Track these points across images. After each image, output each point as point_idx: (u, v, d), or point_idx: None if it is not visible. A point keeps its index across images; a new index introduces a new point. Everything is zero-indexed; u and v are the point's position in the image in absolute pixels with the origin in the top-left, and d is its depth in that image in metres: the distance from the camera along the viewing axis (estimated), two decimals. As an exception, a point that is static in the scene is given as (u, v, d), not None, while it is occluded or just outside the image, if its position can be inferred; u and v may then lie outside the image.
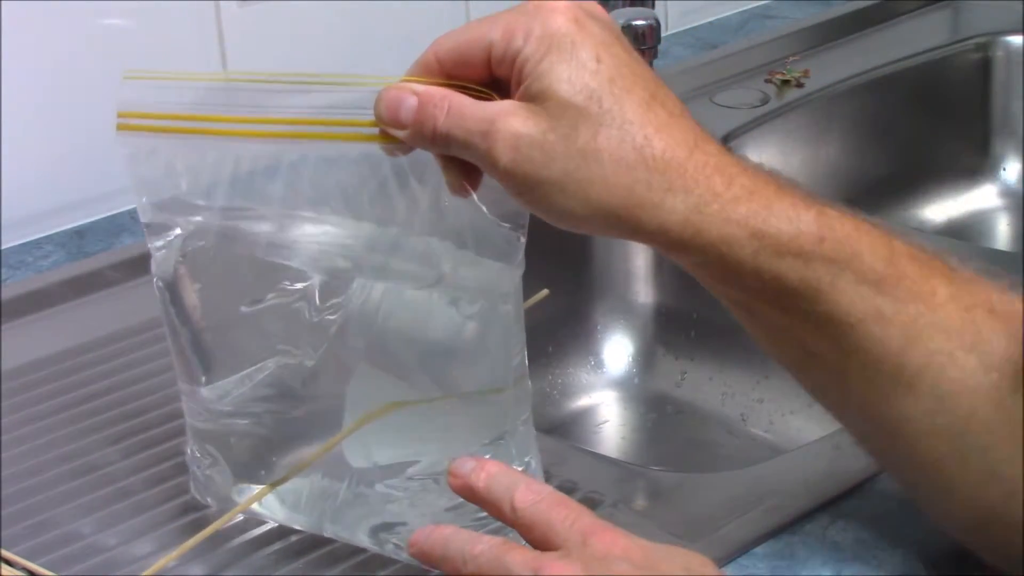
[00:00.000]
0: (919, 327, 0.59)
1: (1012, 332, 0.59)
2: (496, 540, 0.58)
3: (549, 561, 0.56)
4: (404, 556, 0.74)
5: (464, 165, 0.63)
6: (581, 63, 0.59)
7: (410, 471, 0.72)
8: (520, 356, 0.69)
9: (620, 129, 0.59)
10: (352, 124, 0.64)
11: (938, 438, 0.60)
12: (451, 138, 0.60)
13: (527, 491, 0.59)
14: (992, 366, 0.59)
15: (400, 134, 0.62)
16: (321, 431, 0.73)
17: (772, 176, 0.62)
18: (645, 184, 0.59)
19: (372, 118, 0.63)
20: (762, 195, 0.60)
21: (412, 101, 0.61)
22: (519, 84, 0.60)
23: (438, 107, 0.61)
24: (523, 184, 0.60)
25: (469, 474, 0.61)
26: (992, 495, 0.60)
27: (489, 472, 0.61)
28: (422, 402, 0.69)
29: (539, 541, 0.58)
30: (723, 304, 0.64)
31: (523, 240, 0.65)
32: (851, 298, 0.60)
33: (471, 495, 0.61)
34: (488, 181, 0.64)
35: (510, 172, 0.59)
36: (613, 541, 0.57)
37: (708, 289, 0.64)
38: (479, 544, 0.58)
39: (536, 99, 0.59)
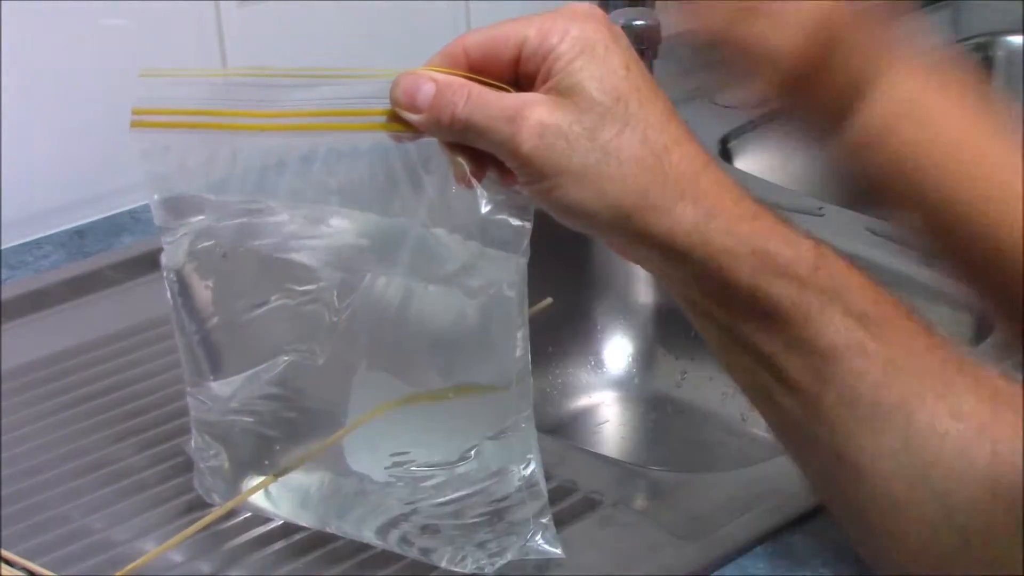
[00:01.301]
0: (897, 367, 0.61)
1: (979, 392, 0.61)
2: None
3: None
4: (411, 552, 0.74)
5: (471, 155, 0.63)
6: (612, 68, 0.62)
7: (413, 463, 0.72)
8: (524, 344, 0.69)
9: (643, 133, 0.61)
10: (362, 113, 0.65)
11: (899, 481, 0.61)
12: (470, 124, 0.62)
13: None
14: (960, 416, 0.60)
15: (414, 118, 0.63)
16: (325, 430, 0.73)
17: (773, 209, 0.63)
18: (660, 188, 0.61)
19: (383, 107, 0.64)
20: (765, 219, 0.62)
21: (430, 87, 0.63)
22: (546, 80, 0.62)
23: (458, 94, 0.62)
24: (541, 172, 0.61)
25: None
26: (943, 545, 0.60)
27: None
28: (433, 396, 0.69)
29: None
30: (700, 328, 0.64)
31: (529, 227, 0.66)
32: (837, 328, 0.61)
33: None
34: (492, 175, 0.65)
35: (531, 158, 0.61)
36: None
37: (691, 309, 0.64)
38: None
39: (564, 94, 0.61)
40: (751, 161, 1.30)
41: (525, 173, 0.62)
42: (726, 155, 1.28)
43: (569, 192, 0.61)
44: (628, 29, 1.11)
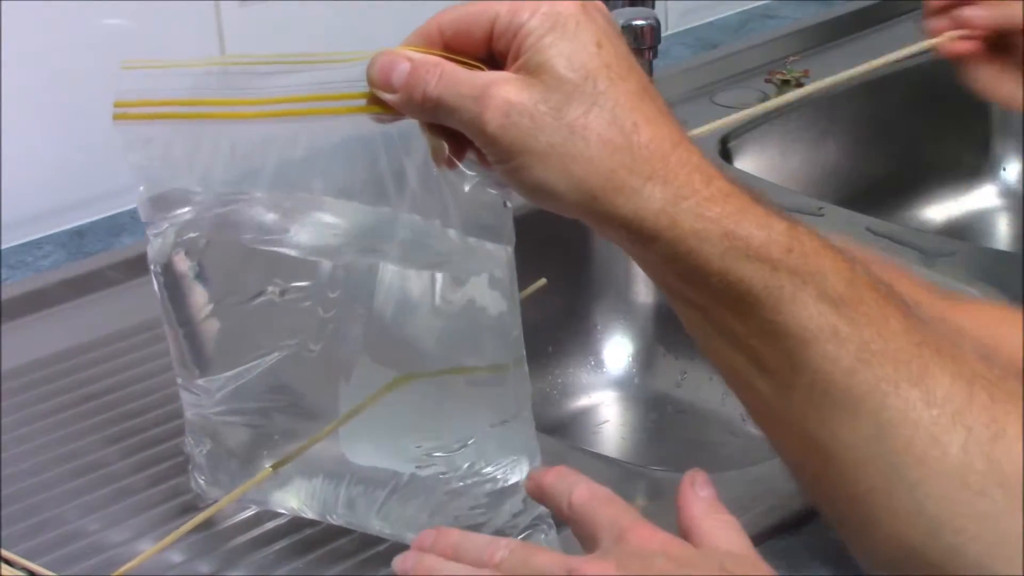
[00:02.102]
0: (871, 352, 0.60)
1: (956, 372, 0.60)
2: (516, 543, 0.60)
3: (581, 561, 0.57)
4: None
5: (450, 136, 0.63)
6: (582, 45, 0.61)
7: (415, 448, 0.72)
8: (517, 332, 0.69)
9: (611, 112, 0.60)
10: (343, 97, 0.65)
11: (871, 468, 0.61)
12: (441, 102, 0.61)
13: (585, 489, 0.62)
14: (934, 402, 0.60)
15: (390, 98, 0.63)
16: (321, 420, 0.73)
17: (748, 187, 0.63)
18: (627, 169, 0.60)
19: (362, 90, 0.64)
20: (738, 200, 0.61)
21: (405, 65, 0.62)
22: (516, 57, 0.61)
23: (430, 72, 0.62)
24: (507, 151, 0.60)
25: (541, 474, 0.64)
26: (915, 533, 0.60)
27: (558, 471, 0.64)
28: (430, 375, 0.70)
29: (585, 536, 0.61)
30: (677, 310, 0.64)
31: (510, 206, 0.66)
32: (810, 312, 0.60)
33: (539, 492, 0.64)
34: (471, 156, 0.64)
35: (496, 137, 0.60)
36: (651, 536, 0.58)
37: (665, 290, 0.64)
38: (499, 549, 0.59)
39: (533, 72, 0.60)
40: (751, 161, 1.30)
41: (492, 152, 0.61)
42: (726, 155, 1.28)
43: (534, 172, 0.60)
44: (628, 29, 1.11)
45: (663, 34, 1.14)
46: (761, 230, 0.60)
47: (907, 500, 0.60)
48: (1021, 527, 0.59)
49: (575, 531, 0.61)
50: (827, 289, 0.60)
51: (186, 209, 0.72)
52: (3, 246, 1.12)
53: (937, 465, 0.59)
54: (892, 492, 0.60)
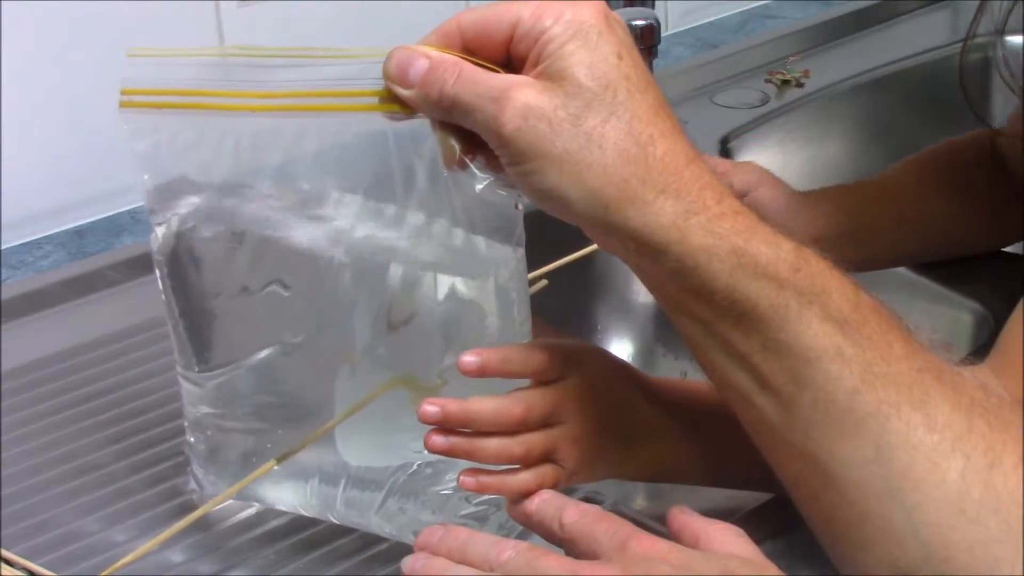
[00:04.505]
0: (873, 374, 0.60)
1: (956, 400, 0.60)
2: (524, 545, 0.60)
3: (586, 565, 0.58)
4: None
5: (462, 137, 0.63)
6: (603, 55, 0.61)
7: (411, 457, 0.72)
8: (526, 332, 0.70)
9: (628, 123, 0.60)
10: (355, 94, 0.64)
11: (869, 490, 0.61)
12: (458, 101, 0.61)
13: (574, 509, 0.63)
14: (934, 428, 0.60)
15: (405, 94, 0.63)
16: (322, 416, 0.73)
17: (755, 211, 0.63)
18: (641, 180, 0.60)
19: (374, 87, 0.64)
20: (747, 218, 0.62)
21: (423, 62, 0.62)
22: (537, 63, 0.61)
23: (449, 71, 0.62)
24: (522, 154, 0.60)
25: (524, 502, 0.65)
26: (908, 558, 0.60)
27: (542, 497, 0.65)
28: (425, 379, 0.70)
29: (584, 553, 0.61)
30: (677, 324, 0.64)
31: (521, 209, 0.66)
32: (815, 332, 0.61)
33: (525, 519, 0.65)
34: (480, 159, 0.64)
35: (513, 140, 0.60)
36: (652, 545, 0.59)
37: (666, 304, 0.64)
38: (506, 549, 0.60)
39: (553, 78, 0.60)
40: (751, 160, 1.29)
41: (507, 154, 0.61)
42: (726, 155, 1.27)
43: (548, 177, 0.60)
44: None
45: (663, 34, 1.15)
46: (769, 248, 0.61)
47: (903, 524, 0.60)
48: (1011, 555, 0.59)
49: (571, 551, 0.61)
50: (832, 309, 0.61)
51: (191, 199, 0.72)
52: (3, 246, 1.12)
53: (935, 491, 0.60)
54: (888, 515, 0.60)
